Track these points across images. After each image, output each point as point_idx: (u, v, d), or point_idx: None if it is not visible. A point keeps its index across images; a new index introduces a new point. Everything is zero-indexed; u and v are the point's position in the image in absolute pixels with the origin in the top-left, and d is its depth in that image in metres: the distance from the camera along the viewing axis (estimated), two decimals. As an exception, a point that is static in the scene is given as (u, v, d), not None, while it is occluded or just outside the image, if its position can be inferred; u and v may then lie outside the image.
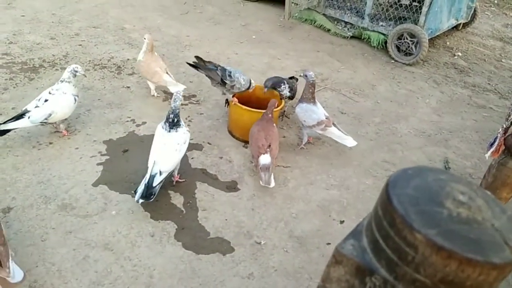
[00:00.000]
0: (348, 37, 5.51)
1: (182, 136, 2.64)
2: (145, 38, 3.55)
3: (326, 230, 2.64)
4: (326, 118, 3.16)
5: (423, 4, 4.88)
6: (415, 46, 4.92)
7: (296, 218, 2.70)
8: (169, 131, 2.60)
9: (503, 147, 2.30)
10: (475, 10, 5.94)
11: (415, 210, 0.73)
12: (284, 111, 3.67)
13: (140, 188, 2.47)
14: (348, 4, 5.71)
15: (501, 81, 5.01)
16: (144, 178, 2.51)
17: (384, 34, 5.22)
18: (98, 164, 2.91)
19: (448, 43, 5.85)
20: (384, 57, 5.17)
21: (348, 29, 5.60)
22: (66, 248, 2.29)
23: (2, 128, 2.81)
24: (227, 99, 3.33)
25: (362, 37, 5.45)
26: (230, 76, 3.11)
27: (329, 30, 5.65)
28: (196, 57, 3.04)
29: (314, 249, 2.49)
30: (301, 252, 2.46)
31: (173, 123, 2.61)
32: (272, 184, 2.79)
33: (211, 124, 3.52)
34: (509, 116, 2.28)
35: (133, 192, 2.55)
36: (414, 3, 5.12)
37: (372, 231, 0.81)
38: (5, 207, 2.48)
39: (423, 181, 0.81)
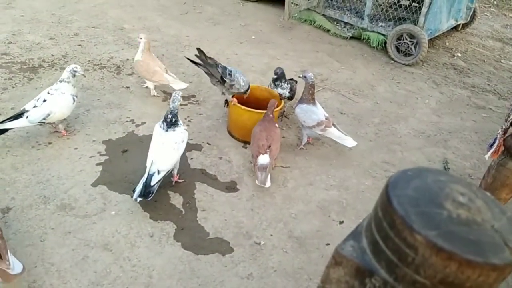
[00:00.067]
0: (347, 37, 5.51)
1: (179, 135, 2.64)
2: (141, 38, 3.54)
3: (326, 231, 2.64)
4: (326, 119, 3.16)
5: (422, 4, 4.88)
6: (415, 47, 4.93)
7: (296, 218, 2.70)
8: (167, 130, 2.62)
9: (502, 148, 2.30)
10: (474, 11, 5.95)
11: (415, 211, 0.73)
12: (284, 111, 3.67)
13: (138, 187, 2.48)
14: (348, 4, 5.71)
15: (501, 81, 5.01)
16: (143, 177, 2.51)
17: (383, 35, 5.22)
18: (98, 164, 2.91)
19: (447, 43, 5.85)
20: (383, 58, 5.17)
21: (347, 29, 5.60)
22: (65, 248, 2.28)
23: (0, 128, 2.80)
24: (226, 99, 3.33)
25: (362, 38, 5.45)
26: (230, 75, 3.09)
27: (328, 31, 5.65)
28: (198, 49, 2.98)
29: (314, 250, 2.49)
30: (301, 252, 2.46)
31: (170, 123, 2.62)
32: (268, 184, 2.79)
33: (211, 124, 3.52)
34: (509, 116, 2.28)
35: (131, 191, 2.55)
36: (414, 4, 5.12)
37: (372, 232, 0.81)
38: (4, 207, 2.48)
39: (423, 182, 0.81)
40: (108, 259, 2.26)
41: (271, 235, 2.55)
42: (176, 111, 2.62)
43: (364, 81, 4.60)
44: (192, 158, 3.10)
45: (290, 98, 3.62)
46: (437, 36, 5.43)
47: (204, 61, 3.04)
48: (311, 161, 3.24)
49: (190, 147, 3.19)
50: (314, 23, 5.79)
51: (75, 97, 3.03)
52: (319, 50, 5.19)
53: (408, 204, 0.75)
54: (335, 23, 5.68)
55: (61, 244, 2.31)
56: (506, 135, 2.28)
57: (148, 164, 2.54)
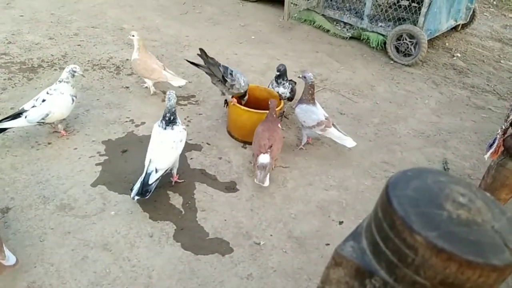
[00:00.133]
0: (347, 37, 5.51)
1: (178, 134, 2.65)
2: (133, 36, 3.53)
3: (325, 231, 2.64)
4: (325, 119, 3.16)
5: (422, 5, 4.88)
6: (414, 47, 4.93)
7: (295, 218, 2.70)
8: (165, 128, 2.63)
9: (502, 148, 2.30)
10: (474, 11, 5.96)
11: (415, 212, 0.73)
12: (284, 111, 3.67)
13: (136, 186, 2.49)
14: (347, 4, 5.72)
15: (500, 82, 5.02)
16: (141, 176, 2.52)
17: (383, 35, 5.22)
18: (97, 164, 2.90)
19: (447, 44, 5.86)
20: (383, 58, 5.17)
21: (347, 29, 5.60)
22: (65, 249, 2.28)
23: (-2, 127, 2.81)
24: (226, 100, 3.33)
25: (361, 38, 5.45)
26: (231, 74, 3.10)
27: (328, 31, 5.65)
28: (200, 49, 2.99)
29: (313, 250, 2.49)
30: (300, 252, 2.46)
31: (169, 121, 2.63)
32: (266, 183, 2.79)
33: (210, 124, 3.51)
34: (508, 117, 2.28)
35: (130, 190, 2.55)
36: (413, 4, 5.12)
37: (371, 232, 0.81)
38: (3, 207, 2.48)
39: (423, 182, 0.81)
40: (108, 259, 2.26)
41: (271, 235, 2.55)
42: (173, 109, 2.63)
43: (364, 81, 4.60)
44: (191, 158, 3.10)
45: (290, 98, 3.62)
46: (436, 36, 5.43)
47: (205, 60, 3.03)
48: (310, 161, 3.24)
49: (189, 147, 3.19)
50: (313, 23, 5.79)
51: (74, 97, 3.03)
52: (319, 50, 5.19)
53: (408, 204, 0.75)
54: (335, 23, 5.69)
55: (60, 244, 2.30)
56: (506, 135, 2.28)
57: (146, 163, 2.55)
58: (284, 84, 3.49)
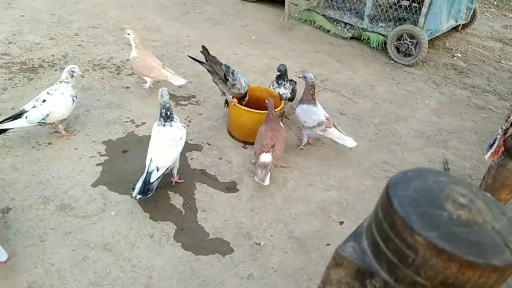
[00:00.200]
0: (347, 38, 5.51)
1: (177, 132, 2.67)
2: (128, 34, 3.53)
3: (326, 231, 2.64)
4: (326, 119, 3.16)
5: (422, 5, 4.88)
6: (415, 47, 4.93)
7: (296, 219, 2.70)
8: (164, 125, 2.65)
9: (502, 149, 2.30)
10: (474, 11, 5.95)
11: (415, 212, 0.73)
12: (284, 112, 3.67)
13: (138, 185, 2.49)
14: (348, 5, 5.71)
15: (501, 82, 5.02)
16: (142, 175, 2.52)
17: (383, 35, 5.22)
18: (98, 164, 2.91)
19: (447, 44, 5.85)
20: (383, 58, 5.17)
21: (347, 30, 5.60)
22: (65, 249, 2.28)
23: (-1, 128, 2.81)
24: (226, 100, 3.33)
25: (362, 38, 5.45)
26: (233, 74, 3.09)
27: (328, 31, 5.65)
28: (203, 47, 2.99)
29: (314, 250, 2.49)
30: (301, 253, 2.46)
31: (166, 116, 2.65)
32: (267, 182, 2.79)
33: (211, 124, 3.52)
34: (509, 117, 2.28)
35: (131, 189, 2.55)
36: (414, 4, 5.12)
37: (372, 233, 0.81)
38: (4, 207, 2.48)
39: (423, 183, 0.81)
40: (108, 259, 2.26)
41: (271, 235, 2.55)
42: (167, 105, 2.66)
43: (364, 81, 4.60)
44: (192, 159, 3.10)
45: (291, 99, 3.62)
46: (437, 36, 5.43)
47: (208, 58, 3.02)
48: (311, 162, 3.24)
49: (190, 147, 3.19)
50: (314, 24, 5.79)
51: (74, 98, 3.03)
52: (319, 51, 5.19)
53: (409, 205, 0.75)
54: (335, 23, 5.68)
55: (61, 244, 2.31)
56: (506, 135, 2.28)
57: (147, 162, 2.56)
58: (285, 84, 3.50)
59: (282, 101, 3.38)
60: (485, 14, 7.34)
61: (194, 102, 3.80)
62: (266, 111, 3.04)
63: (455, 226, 0.72)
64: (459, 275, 0.68)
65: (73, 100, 3.02)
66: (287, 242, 2.52)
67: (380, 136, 3.69)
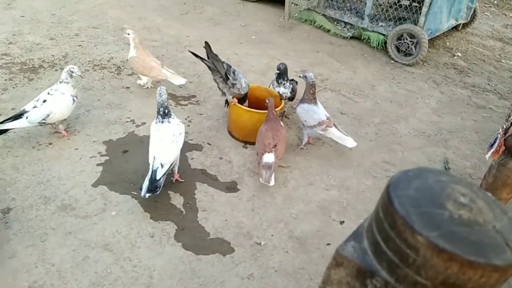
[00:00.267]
0: (347, 37, 5.51)
1: (176, 128, 2.70)
2: (128, 34, 3.54)
3: (326, 231, 2.64)
4: (327, 119, 3.16)
5: (422, 4, 4.88)
6: (415, 47, 4.92)
7: (296, 218, 2.70)
8: (162, 122, 2.67)
9: (503, 148, 2.30)
10: (474, 11, 5.95)
11: (416, 212, 0.73)
12: (284, 111, 3.67)
13: (145, 184, 2.50)
14: (348, 4, 5.71)
15: (501, 81, 5.01)
16: (147, 174, 2.53)
17: (383, 35, 5.22)
18: (98, 164, 2.91)
19: (447, 43, 5.85)
20: (383, 58, 5.17)
21: (347, 29, 5.60)
22: (66, 249, 2.28)
23: (0, 128, 2.80)
24: (226, 100, 3.32)
25: (362, 38, 5.45)
26: (234, 73, 3.09)
27: (328, 31, 5.64)
28: (206, 42, 2.98)
29: (314, 250, 2.49)
30: (301, 252, 2.46)
31: (164, 114, 2.68)
32: (272, 182, 2.80)
33: (211, 124, 3.51)
34: (509, 116, 2.28)
35: (139, 189, 2.55)
36: (414, 4, 5.12)
37: (373, 233, 0.81)
38: (4, 207, 2.48)
39: (424, 182, 0.81)
40: (109, 259, 2.26)
41: (272, 235, 2.55)
42: (165, 103, 2.69)
43: (365, 81, 4.60)
44: (192, 158, 3.10)
45: (291, 98, 3.62)
46: (437, 36, 5.42)
47: (210, 54, 3.01)
48: (311, 161, 3.24)
49: (190, 147, 3.20)
50: (314, 23, 5.78)
51: (75, 98, 3.04)
52: (319, 50, 5.19)
53: (409, 204, 0.75)
54: (335, 23, 5.68)
55: (61, 244, 2.31)
56: (507, 135, 2.28)
57: (150, 161, 2.56)
58: (284, 84, 3.49)
59: (282, 101, 3.38)
60: (486, 13, 7.33)
61: (194, 102, 3.79)
62: (266, 111, 3.04)
63: (456, 226, 0.72)
64: (460, 274, 0.68)
65: (74, 100, 3.02)
66: (287, 242, 2.52)
67: (381, 135, 3.68)
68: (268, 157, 2.82)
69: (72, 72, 2.97)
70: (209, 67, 3.08)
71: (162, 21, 5.37)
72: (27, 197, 2.57)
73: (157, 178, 2.50)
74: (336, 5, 5.67)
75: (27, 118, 2.83)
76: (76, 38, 4.61)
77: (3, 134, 2.88)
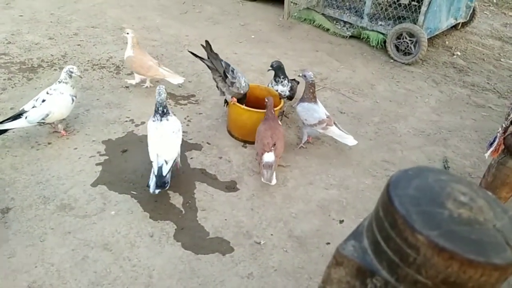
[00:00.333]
0: (347, 36, 5.51)
1: (175, 124, 2.73)
2: (127, 33, 3.54)
3: (326, 230, 2.64)
4: (327, 117, 3.16)
5: (422, 3, 4.88)
6: (414, 46, 4.92)
7: (296, 218, 2.70)
8: (161, 120, 2.69)
9: (502, 147, 2.30)
10: (474, 10, 5.95)
11: (416, 211, 0.73)
12: (284, 110, 3.67)
13: (152, 181, 2.51)
14: (347, 3, 5.71)
15: (500, 80, 5.01)
16: (152, 172, 2.54)
17: (383, 34, 5.22)
18: (97, 164, 2.90)
19: (447, 42, 5.85)
20: (383, 57, 5.17)
21: (347, 28, 5.59)
22: (65, 249, 2.28)
23: (-1, 128, 2.80)
24: (226, 99, 3.32)
25: (361, 37, 5.45)
26: (233, 72, 3.09)
27: (328, 30, 5.64)
28: (206, 41, 2.98)
29: (314, 249, 2.49)
30: (301, 252, 2.46)
31: (163, 113, 2.70)
32: (274, 181, 2.80)
33: (210, 124, 3.51)
34: (509, 115, 2.28)
35: (146, 186, 2.55)
36: (413, 3, 5.12)
37: (373, 232, 0.80)
38: (4, 207, 2.47)
39: (424, 181, 0.81)
40: (108, 259, 2.25)
41: (271, 234, 2.55)
42: (164, 102, 2.71)
43: (364, 80, 4.60)
44: (192, 158, 3.09)
45: (290, 97, 3.61)
46: (436, 35, 5.42)
47: (209, 53, 3.01)
48: (311, 160, 3.23)
49: (190, 146, 3.19)
50: (313, 22, 5.78)
51: (74, 97, 3.03)
52: (319, 49, 5.19)
53: (409, 203, 0.75)
54: (335, 22, 5.68)
55: (61, 244, 2.30)
56: (506, 133, 2.28)
57: (153, 158, 2.57)
58: (282, 82, 3.48)
59: (282, 100, 3.38)
60: (485, 12, 7.33)
61: (193, 101, 3.79)
62: (265, 110, 3.03)
63: (456, 225, 0.71)
64: (460, 273, 0.68)
65: (73, 100, 3.02)
66: (287, 241, 2.52)
67: (380, 134, 3.68)
68: (268, 157, 2.82)
69: (72, 72, 2.97)
70: (208, 66, 3.08)
71: (161, 21, 5.36)
72: (26, 197, 2.57)
73: (164, 174, 2.52)
74: (335, 4, 5.67)
75: (26, 118, 2.82)
76: (75, 38, 4.61)
77: (2, 134, 2.87)
